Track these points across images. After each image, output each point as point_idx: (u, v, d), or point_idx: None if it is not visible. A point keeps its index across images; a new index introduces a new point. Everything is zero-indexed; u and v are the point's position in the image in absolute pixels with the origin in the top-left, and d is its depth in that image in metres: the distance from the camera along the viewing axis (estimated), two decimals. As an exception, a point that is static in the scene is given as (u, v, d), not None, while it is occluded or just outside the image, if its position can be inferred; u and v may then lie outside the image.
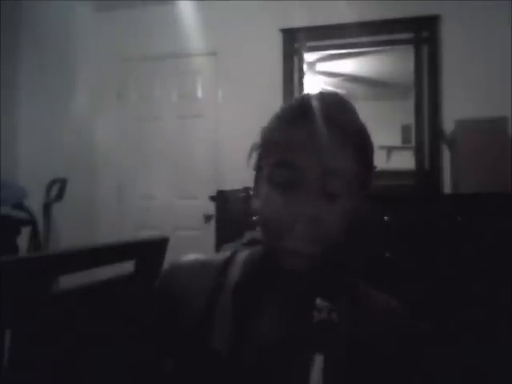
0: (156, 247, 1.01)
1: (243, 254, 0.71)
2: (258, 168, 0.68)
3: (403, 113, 2.87)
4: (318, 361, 0.52)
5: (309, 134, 0.61)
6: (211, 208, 2.61)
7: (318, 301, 0.56)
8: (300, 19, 2.86)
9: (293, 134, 0.62)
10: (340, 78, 2.99)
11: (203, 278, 0.68)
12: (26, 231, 2.63)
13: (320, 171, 0.59)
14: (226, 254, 0.72)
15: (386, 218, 2.25)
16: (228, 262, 0.70)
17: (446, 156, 2.73)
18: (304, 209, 0.58)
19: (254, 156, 0.69)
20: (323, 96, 0.65)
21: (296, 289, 0.63)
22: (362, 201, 0.65)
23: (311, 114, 0.62)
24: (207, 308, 0.65)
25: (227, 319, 0.64)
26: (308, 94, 0.66)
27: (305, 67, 2.96)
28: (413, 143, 2.81)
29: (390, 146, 2.87)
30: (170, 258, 1.04)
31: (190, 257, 0.72)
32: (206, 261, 0.71)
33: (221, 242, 0.69)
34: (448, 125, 2.67)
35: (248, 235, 0.76)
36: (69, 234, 3.12)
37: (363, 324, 0.63)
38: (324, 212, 0.59)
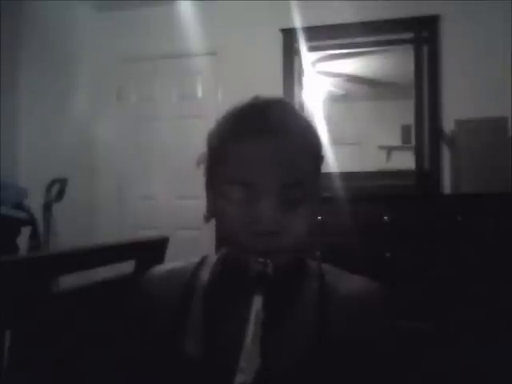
0: (156, 247, 1.01)
1: (213, 258, 0.72)
2: (210, 181, 0.67)
3: (403, 113, 2.86)
4: (257, 300, 0.54)
5: (263, 148, 0.59)
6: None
7: (252, 258, 0.57)
8: (300, 19, 2.86)
9: (246, 149, 0.60)
10: (340, 78, 2.99)
11: (174, 285, 0.68)
12: (26, 231, 2.63)
13: (278, 184, 0.59)
14: (196, 259, 0.73)
15: (385, 217, 2.25)
16: (198, 267, 0.70)
17: (446, 156, 2.73)
18: (264, 224, 0.58)
19: (203, 166, 0.68)
20: (270, 104, 0.64)
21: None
22: (318, 202, 0.66)
23: (261, 125, 0.60)
24: (179, 311, 0.65)
25: (199, 321, 0.64)
26: (255, 102, 0.64)
27: (305, 67, 2.96)
28: (413, 143, 2.81)
29: (390, 146, 2.86)
30: (170, 258, 1.04)
31: (163, 266, 0.73)
32: (177, 268, 0.71)
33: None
34: (448, 125, 2.67)
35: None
36: (69, 234, 3.12)
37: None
38: (285, 223, 0.59)
